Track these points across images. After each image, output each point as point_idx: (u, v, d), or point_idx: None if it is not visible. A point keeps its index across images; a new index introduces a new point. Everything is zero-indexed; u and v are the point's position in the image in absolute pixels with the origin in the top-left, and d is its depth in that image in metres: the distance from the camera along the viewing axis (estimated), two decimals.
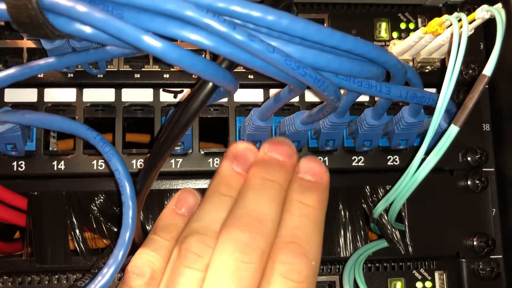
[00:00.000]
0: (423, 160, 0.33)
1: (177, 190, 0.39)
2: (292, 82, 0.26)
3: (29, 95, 0.38)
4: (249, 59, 0.24)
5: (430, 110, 0.37)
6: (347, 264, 0.36)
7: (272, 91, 0.40)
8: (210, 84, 0.26)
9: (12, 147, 0.36)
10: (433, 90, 0.40)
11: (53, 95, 0.38)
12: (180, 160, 0.39)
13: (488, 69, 0.29)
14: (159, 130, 0.38)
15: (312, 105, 0.40)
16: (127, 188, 0.30)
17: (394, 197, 0.34)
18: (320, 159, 0.39)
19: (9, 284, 0.36)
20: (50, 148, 0.39)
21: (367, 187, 0.41)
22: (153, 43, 0.23)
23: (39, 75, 0.38)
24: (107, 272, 0.28)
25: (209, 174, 0.39)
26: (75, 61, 0.32)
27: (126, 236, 0.29)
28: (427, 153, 0.33)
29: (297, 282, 0.28)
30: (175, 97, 0.39)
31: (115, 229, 0.39)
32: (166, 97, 0.39)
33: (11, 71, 0.31)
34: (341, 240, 0.40)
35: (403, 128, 0.37)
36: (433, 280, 0.40)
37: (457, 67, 0.29)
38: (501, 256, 0.41)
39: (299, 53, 0.24)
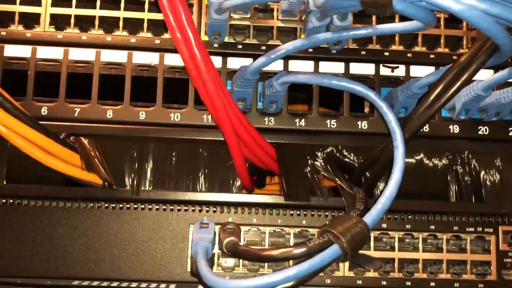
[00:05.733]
0: None
1: None
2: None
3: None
4: None
5: None
6: None
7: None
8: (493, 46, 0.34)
9: (272, 105, 0.45)
10: None
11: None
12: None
13: None
14: None
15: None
16: (398, 135, 0.38)
17: None
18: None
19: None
20: None
21: None
22: (453, 4, 0.30)
23: None
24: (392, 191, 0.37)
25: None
26: (345, 36, 0.41)
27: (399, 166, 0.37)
28: None
29: None
30: (392, 71, 0.48)
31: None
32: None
33: (297, 42, 0.41)
34: None
35: None
36: None
37: None
38: None
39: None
